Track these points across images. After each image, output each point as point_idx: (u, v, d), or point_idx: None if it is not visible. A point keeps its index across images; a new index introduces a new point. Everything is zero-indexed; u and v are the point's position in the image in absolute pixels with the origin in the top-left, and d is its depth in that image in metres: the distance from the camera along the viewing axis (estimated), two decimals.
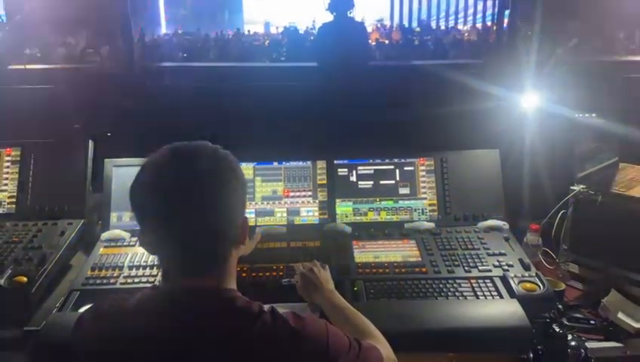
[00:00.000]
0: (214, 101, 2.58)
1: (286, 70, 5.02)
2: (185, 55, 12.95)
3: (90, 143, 2.32)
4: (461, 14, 19.73)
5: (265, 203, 2.32)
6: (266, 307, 1.14)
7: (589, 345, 1.71)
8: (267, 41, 15.33)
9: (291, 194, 2.34)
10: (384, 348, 1.35)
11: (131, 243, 2.15)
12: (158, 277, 1.94)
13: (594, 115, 2.24)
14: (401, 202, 2.33)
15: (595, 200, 1.99)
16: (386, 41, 14.97)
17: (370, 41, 9.28)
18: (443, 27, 19.14)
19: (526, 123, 2.32)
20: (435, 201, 2.32)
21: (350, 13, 4.61)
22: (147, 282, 1.93)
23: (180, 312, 1.09)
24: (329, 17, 4.44)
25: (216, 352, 1.06)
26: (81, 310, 1.77)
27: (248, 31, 17.87)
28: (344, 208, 2.32)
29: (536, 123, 2.28)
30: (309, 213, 2.32)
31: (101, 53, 8.20)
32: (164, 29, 18.13)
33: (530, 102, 2.31)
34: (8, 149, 2.31)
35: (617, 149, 2.19)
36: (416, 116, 2.34)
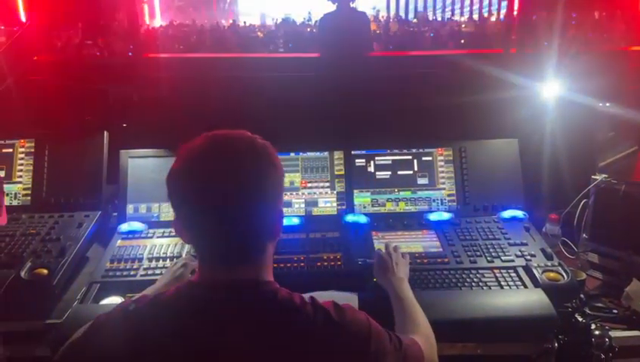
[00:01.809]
0: (226, 92, 2.55)
1: (288, 61, 4.97)
2: (181, 47, 12.89)
3: (105, 134, 2.29)
4: (457, 5, 19.72)
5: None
6: (307, 297, 1.13)
7: (613, 334, 1.70)
8: (262, 33, 15.27)
9: (309, 185, 2.32)
10: (428, 346, 1.34)
11: (149, 235, 2.13)
12: None
13: (609, 104, 2.22)
14: (419, 192, 2.32)
15: (617, 189, 1.98)
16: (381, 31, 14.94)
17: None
18: (440, 18, 19.12)
19: (545, 112, 2.30)
20: (453, 191, 2.31)
21: (352, 3, 4.58)
22: None
23: (220, 304, 1.08)
24: (327, 8, 4.40)
25: (258, 344, 1.04)
26: (105, 301, 1.77)
27: (244, 22, 17.78)
28: (362, 199, 2.31)
29: (556, 112, 2.27)
30: (327, 203, 2.30)
31: (99, 45, 8.15)
32: (159, 21, 18.01)
33: (550, 92, 2.30)
34: (22, 141, 2.28)
35: (637, 138, 2.18)
36: (434, 106, 2.33)
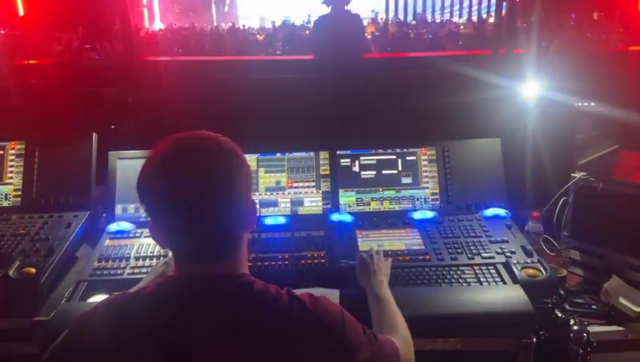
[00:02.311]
0: (216, 94, 2.59)
1: (284, 63, 5.01)
2: (180, 50, 12.94)
3: (94, 136, 2.33)
4: (456, 7, 19.76)
5: (269, 193, 2.33)
6: (283, 289, 1.16)
7: (591, 329, 1.73)
8: (262, 36, 15.33)
9: (295, 184, 2.35)
10: (405, 347, 1.36)
11: (137, 235, 2.17)
12: None
13: (592, 103, 2.25)
14: (403, 191, 2.36)
15: (596, 187, 2.01)
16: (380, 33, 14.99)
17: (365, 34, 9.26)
18: (438, 20, 19.16)
19: (526, 112, 2.34)
20: (437, 190, 2.35)
21: (347, 6, 4.61)
22: None
23: (198, 299, 1.11)
24: (324, 11, 4.44)
25: (235, 335, 1.08)
26: (92, 299, 1.80)
27: (243, 25, 17.85)
28: (347, 198, 2.35)
29: (537, 112, 2.31)
30: (313, 203, 2.34)
31: (97, 49, 8.21)
32: (158, 25, 18.09)
33: (531, 92, 2.33)
34: (13, 143, 2.32)
35: (617, 137, 2.21)
36: (418, 107, 2.37)
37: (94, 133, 2.33)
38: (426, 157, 2.38)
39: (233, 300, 1.12)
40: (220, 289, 1.13)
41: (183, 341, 1.07)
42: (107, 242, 2.12)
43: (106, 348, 1.10)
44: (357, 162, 2.38)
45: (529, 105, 2.33)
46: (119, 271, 1.96)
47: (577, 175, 2.08)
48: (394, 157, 2.39)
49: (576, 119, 2.18)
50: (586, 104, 2.14)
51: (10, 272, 1.83)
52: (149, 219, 1.18)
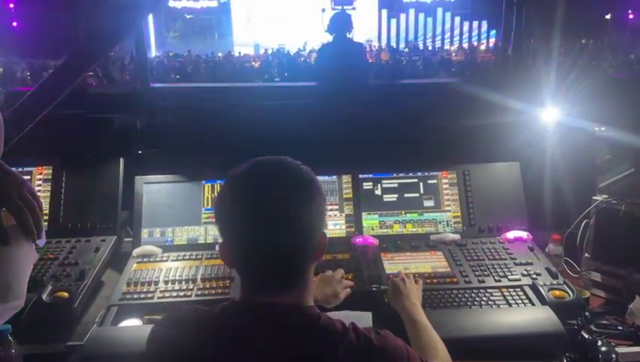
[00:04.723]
0: (237, 120, 2.61)
1: (286, 90, 5.08)
2: (178, 77, 13.05)
3: (121, 161, 2.35)
4: (447, 35, 20.14)
5: None
6: (347, 323, 1.15)
7: (619, 350, 1.74)
8: (257, 63, 15.53)
9: None
10: None
11: (163, 259, 2.17)
12: (195, 291, 1.97)
13: (603, 128, 2.30)
14: (425, 214, 2.39)
15: (618, 209, 2.06)
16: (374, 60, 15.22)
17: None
18: (430, 48, 19.51)
19: (545, 136, 2.39)
20: (459, 213, 2.38)
21: (349, 34, 4.72)
22: (184, 296, 1.95)
23: (264, 330, 1.11)
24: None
25: None
26: (124, 324, 1.80)
27: (239, 53, 18.07)
28: (370, 221, 2.37)
29: (555, 136, 2.36)
30: (337, 226, 2.36)
31: (99, 75, 8.28)
32: (154, 52, 18.24)
33: (550, 116, 2.39)
34: (40, 168, 2.34)
35: (634, 161, 2.25)
36: (438, 131, 2.41)
37: (121, 158, 2.36)
38: (447, 181, 2.42)
39: (301, 335, 1.11)
40: (288, 321, 1.12)
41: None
42: (134, 266, 2.12)
43: None
44: (379, 185, 2.42)
45: (547, 130, 2.39)
46: (149, 295, 1.95)
47: (599, 197, 2.12)
48: (415, 180, 2.43)
49: (593, 143, 2.22)
50: (603, 129, 2.19)
51: (44, 296, 1.82)
52: (221, 240, 1.18)
